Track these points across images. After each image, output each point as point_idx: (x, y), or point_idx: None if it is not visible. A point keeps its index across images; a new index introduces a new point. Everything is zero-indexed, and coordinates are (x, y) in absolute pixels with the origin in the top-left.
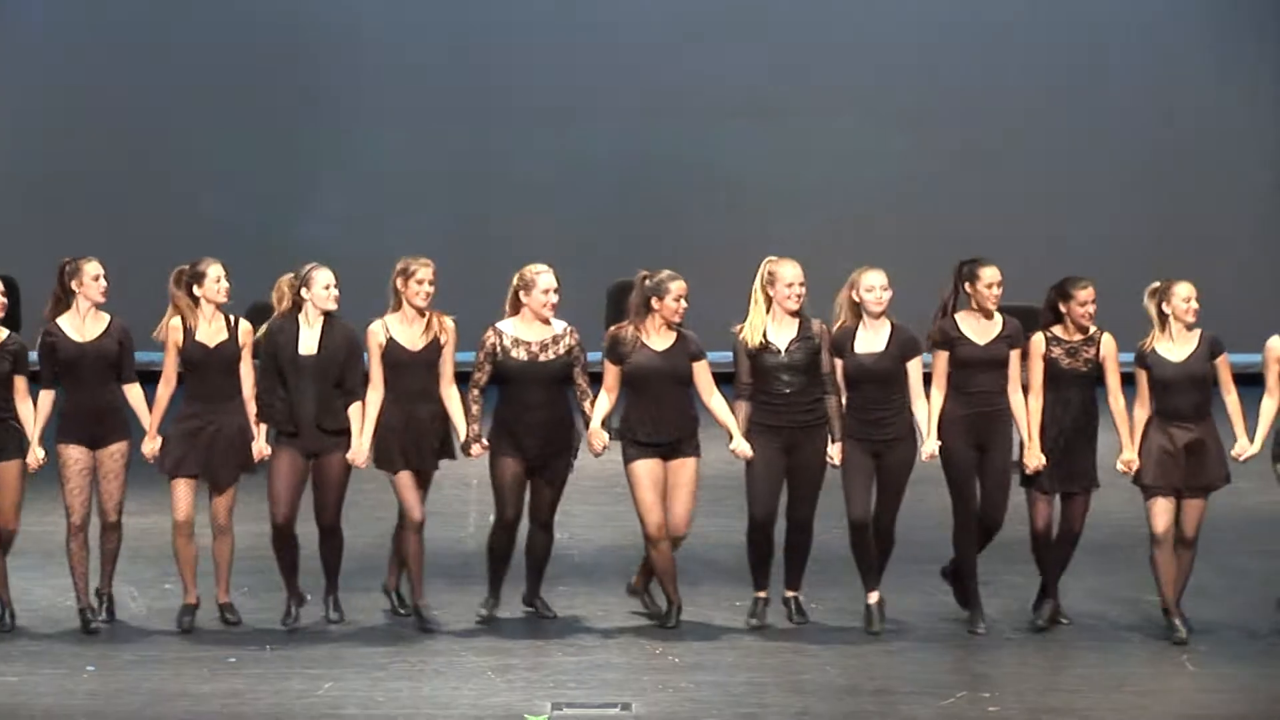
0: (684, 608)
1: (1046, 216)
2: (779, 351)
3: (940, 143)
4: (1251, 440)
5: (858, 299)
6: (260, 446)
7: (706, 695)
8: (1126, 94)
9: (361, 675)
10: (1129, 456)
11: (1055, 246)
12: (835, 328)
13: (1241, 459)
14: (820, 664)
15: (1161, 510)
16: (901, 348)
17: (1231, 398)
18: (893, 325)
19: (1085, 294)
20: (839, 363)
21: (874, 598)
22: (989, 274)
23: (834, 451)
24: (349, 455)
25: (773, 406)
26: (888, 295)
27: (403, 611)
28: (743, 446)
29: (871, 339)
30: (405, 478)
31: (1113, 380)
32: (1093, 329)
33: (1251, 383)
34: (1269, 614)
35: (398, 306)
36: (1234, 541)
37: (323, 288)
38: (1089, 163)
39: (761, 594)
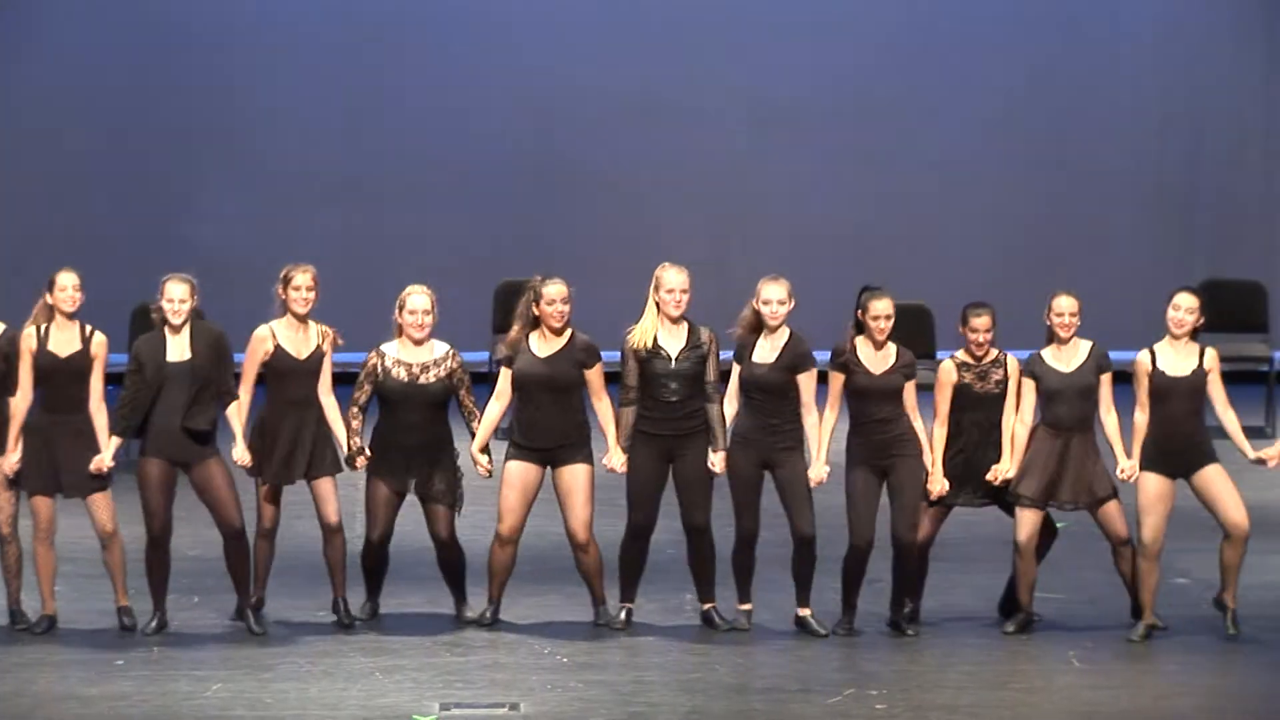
0: (571, 608)
1: (932, 217)
2: (669, 359)
3: (828, 143)
4: (1130, 457)
5: (758, 308)
6: (102, 459)
7: (595, 694)
8: (1012, 94)
9: (249, 677)
10: (1004, 470)
11: (940, 247)
12: (737, 333)
13: (1130, 479)
14: (709, 663)
15: (1027, 521)
16: (794, 361)
17: (1110, 417)
18: (790, 337)
19: (979, 321)
20: (736, 369)
21: (805, 611)
22: (876, 307)
23: (715, 460)
24: (235, 456)
25: (656, 413)
26: (785, 309)
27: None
28: (616, 461)
29: (767, 350)
30: (322, 485)
31: (1012, 401)
32: (995, 352)
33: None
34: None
35: (285, 313)
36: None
37: (165, 301)
38: (976, 163)
39: (629, 604)
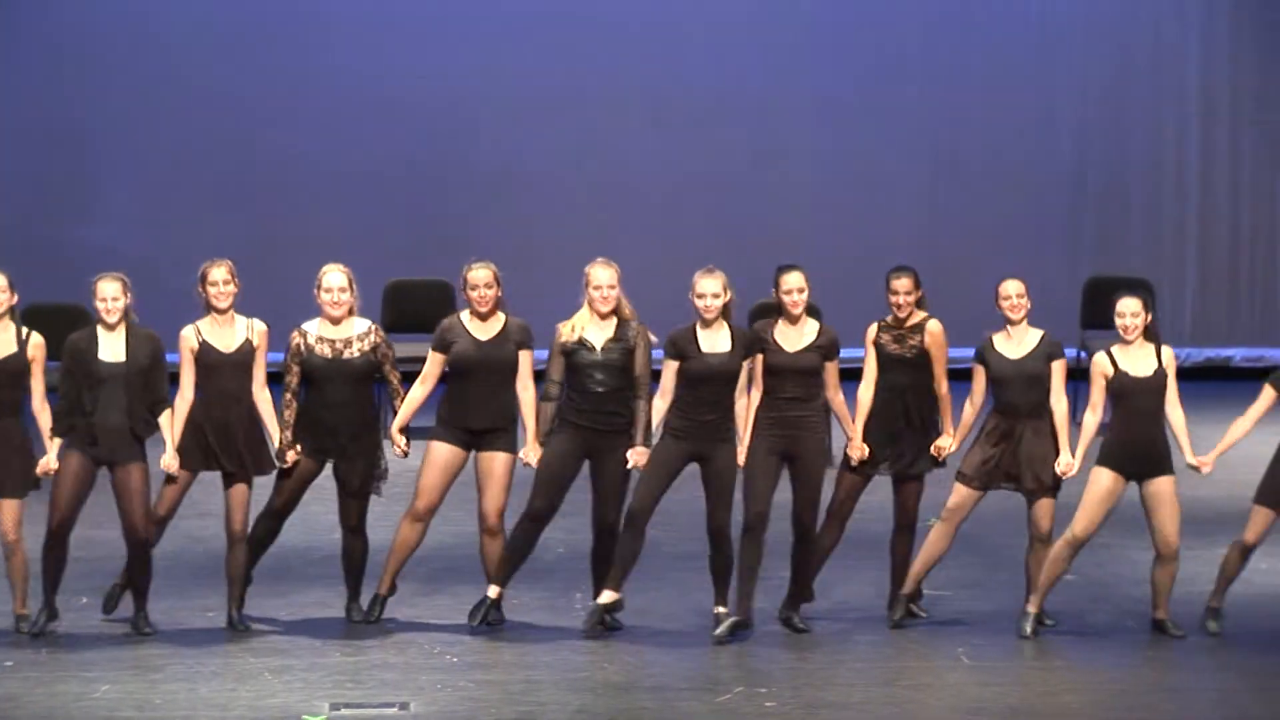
0: (461, 609)
1: (840, 214)
2: (593, 349)
3: (734, 140)
4: (1073, 455)
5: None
6: (47, 461)
7: (484, 694)
8: (924, 90)
9: (138, 678)
10: (946, 444)
11: (837, 245)
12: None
13: (1066, 475)
14: (598, 662)
15: (959, 495)
16: (746, 348)
17: (1060, 405)
18: (731, 329)
19: (899, 283)
20: (674, 365)
21: (721, 610)
22: (788, 280)
23: (633, 455)
24: (162, 462)
25: (582, 404)
26: (719, 302)
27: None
28: (532, 456)
29: (714, 341)
30: (236, 492)
31: (937, 369)
32: (918, 316)
33: None
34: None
35: (208, 310)
36: (1009, 535)
37: (99, 300)
38: (886, 160)
39: (499, 588)
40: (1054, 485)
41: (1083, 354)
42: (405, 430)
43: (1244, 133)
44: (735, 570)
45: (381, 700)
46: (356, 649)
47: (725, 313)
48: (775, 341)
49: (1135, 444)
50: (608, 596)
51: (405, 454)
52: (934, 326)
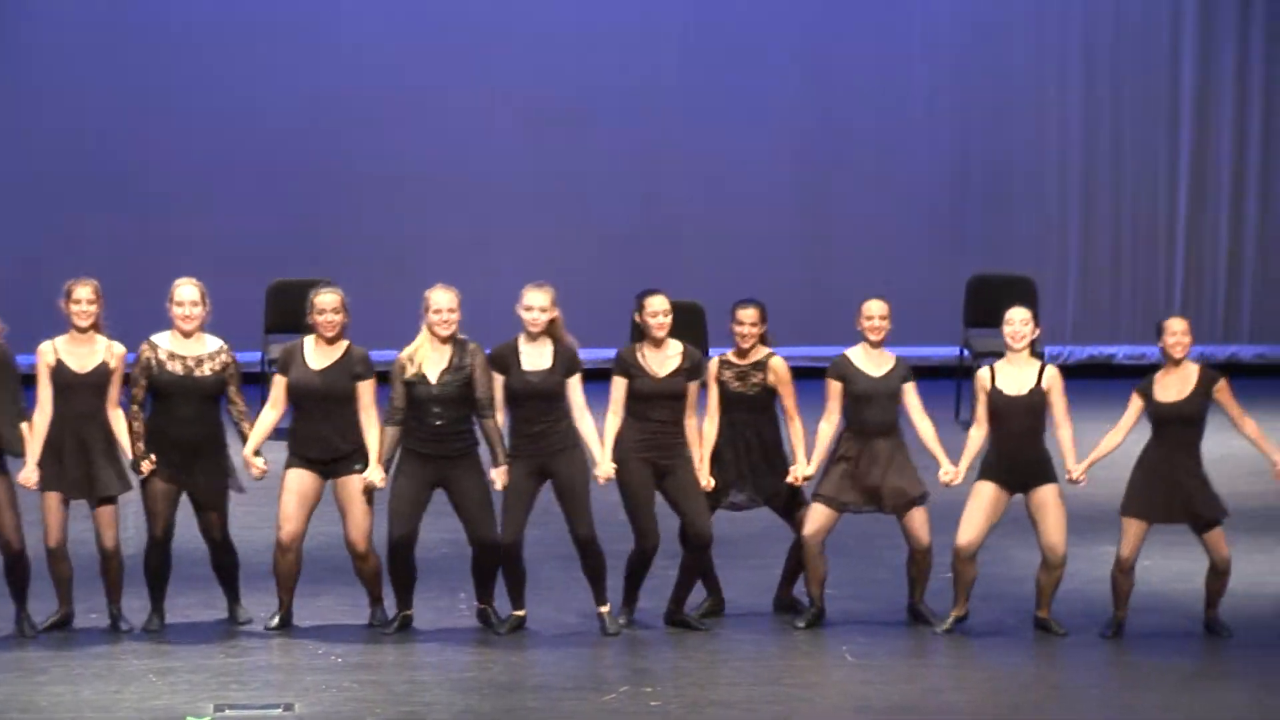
0: (345, 610)
1: (701, 217)
2: (430, 383)
3: (598, 143)
4: (954, 463)
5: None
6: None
7: (369, 694)
8: (782, 94)
9: (23, 680)
10: (803, 471)
11: (713, 244)
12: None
13: (949, 483)
14: (483, 661)
15: (819, 516)
16: (565, 366)
17: (925, 424)
18: (555, 342)
19: (744, 314)
20: (499, 380)
21: (606, 609)
22: (652, 304)
23: (496, 474)
24: (20, 478)
25: (423, 434)
26: (545, 316)
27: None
28: (375, 476)
29: (536, 357)
30: (52, 500)
31: (789, 403)
32: (761, 353)
33: None
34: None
35: (70, 327)
36: (892, 535)
37: None
38: (763, 162)
39: (406, 611)
40: (919, 497)
41: (965, 351)
42: (259, 452)
43: (1125, 130)
44: (625, 579)
45: (266, 701)
46: (241, 650)
47: (553, 329)
48: (642, 367)
49: (1012, 459)
50: (519, 613)
51: (264, 473)
52: (777, 364)
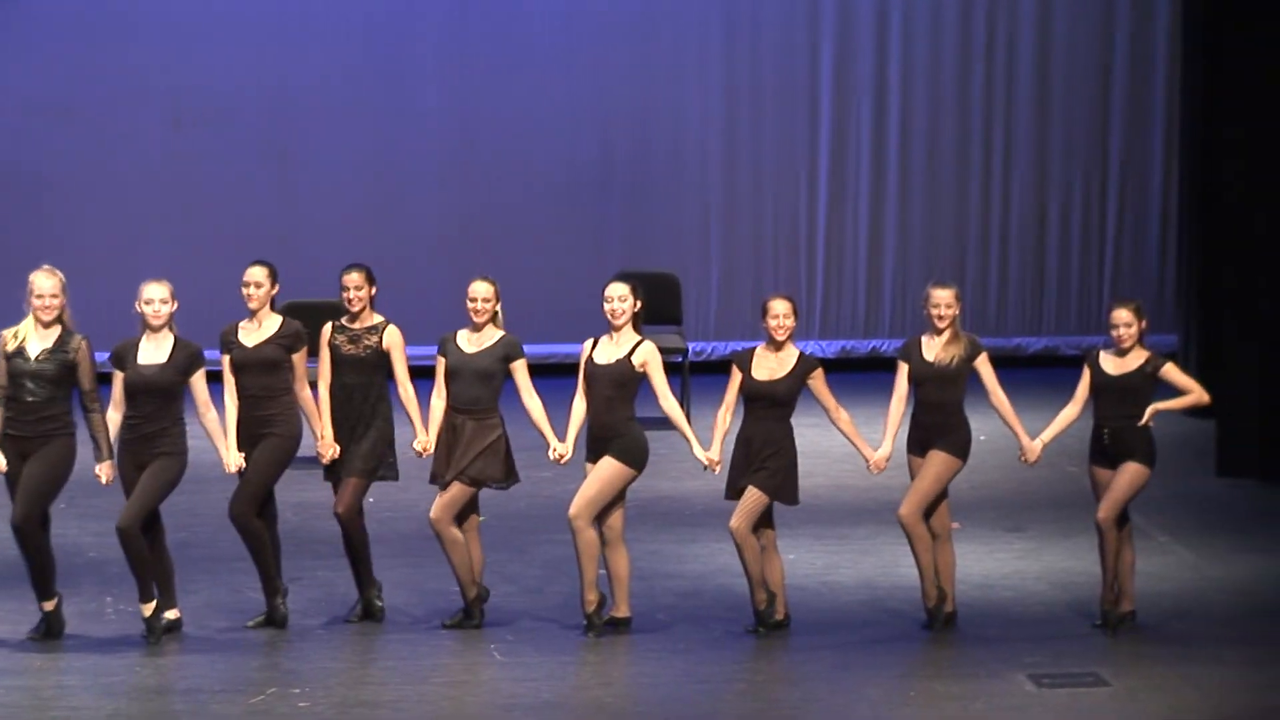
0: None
1: (358, 213)
2: (29, 359)
3: (250, 140)
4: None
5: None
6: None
7: (15, 700)
8: (443, 88)
9: None
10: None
11: (367, 241)
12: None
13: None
14: (131, 665)
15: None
16: (188, 361)
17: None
18: (175, 338)
19: (348, 279)
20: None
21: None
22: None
23: (101, 470)
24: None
25: (16, 413)
26: (167, 309)
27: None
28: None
29: (152, 350)
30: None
31: (400, 371)
32: (377, 319)
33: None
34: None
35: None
36: (542, 531)
37: None
38: (406, 161)
39: (51, 601)
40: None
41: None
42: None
43: (766, 125)
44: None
45: None
46: None
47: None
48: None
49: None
50: (173, 614)
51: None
52: (392, 331)
